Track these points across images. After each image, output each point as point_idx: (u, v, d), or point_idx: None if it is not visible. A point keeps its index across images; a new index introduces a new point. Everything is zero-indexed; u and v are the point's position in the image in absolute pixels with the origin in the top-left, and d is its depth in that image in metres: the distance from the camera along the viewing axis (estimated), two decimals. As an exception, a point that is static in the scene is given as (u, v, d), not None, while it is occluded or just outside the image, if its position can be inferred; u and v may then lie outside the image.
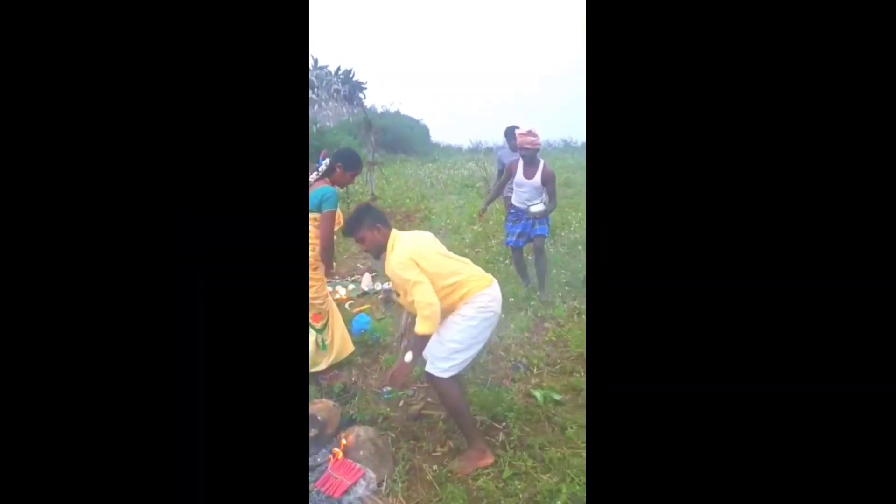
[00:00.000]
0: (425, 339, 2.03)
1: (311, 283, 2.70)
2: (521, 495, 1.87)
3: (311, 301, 2.73)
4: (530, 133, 3.63)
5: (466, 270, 2.17)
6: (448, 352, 2.07)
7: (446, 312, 2.10)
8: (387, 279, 3.89)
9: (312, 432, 2.21)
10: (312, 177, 2.72)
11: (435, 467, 2.06)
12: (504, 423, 2.31)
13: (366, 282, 4.51)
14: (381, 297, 4.14)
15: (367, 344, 3.22)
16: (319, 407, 2.33)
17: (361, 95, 6.90)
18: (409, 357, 2.08)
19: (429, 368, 2.12)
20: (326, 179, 2.73)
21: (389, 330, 3.37)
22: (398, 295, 2.20)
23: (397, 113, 17.53)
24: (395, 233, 2.18)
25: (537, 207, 3.63)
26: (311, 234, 2.66)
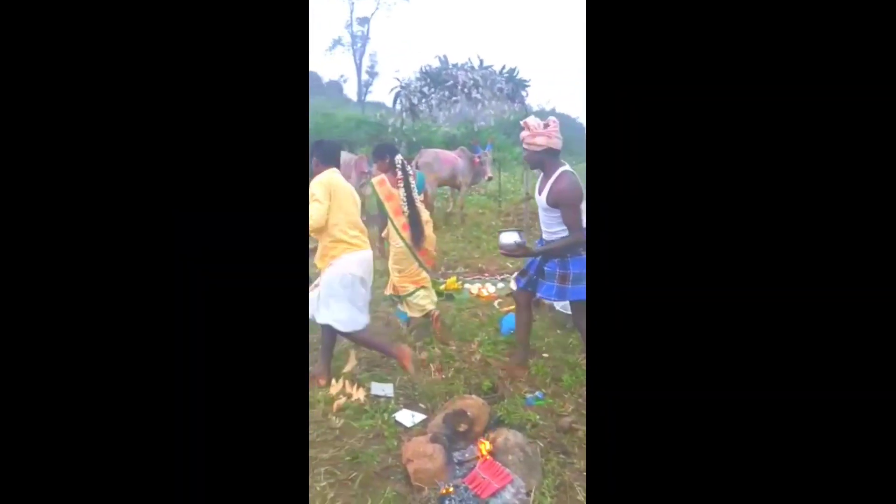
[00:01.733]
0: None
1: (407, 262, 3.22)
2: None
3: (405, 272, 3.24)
4: (528, 126, 2.46)
5: (360, 239, 2.62)
6: (318, 307, 2.61)
7: (320, 260, 2.61)
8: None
9: (462, 427, 2.23)
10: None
11: (586, 488, 1.93)
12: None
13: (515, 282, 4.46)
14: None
15: (515, 345, 3.17)
16: (470, 403, 2.35)
17: (524, 93, 6.83)
18: None
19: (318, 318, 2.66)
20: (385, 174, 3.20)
21: (539, 334, 3.28)
22: None
23: (553, 111, 17.34)
24: (333, 171, 2.60)
25: (507, 237, 2.47)
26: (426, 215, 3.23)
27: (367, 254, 2.67)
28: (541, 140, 2.42)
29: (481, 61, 6.99)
